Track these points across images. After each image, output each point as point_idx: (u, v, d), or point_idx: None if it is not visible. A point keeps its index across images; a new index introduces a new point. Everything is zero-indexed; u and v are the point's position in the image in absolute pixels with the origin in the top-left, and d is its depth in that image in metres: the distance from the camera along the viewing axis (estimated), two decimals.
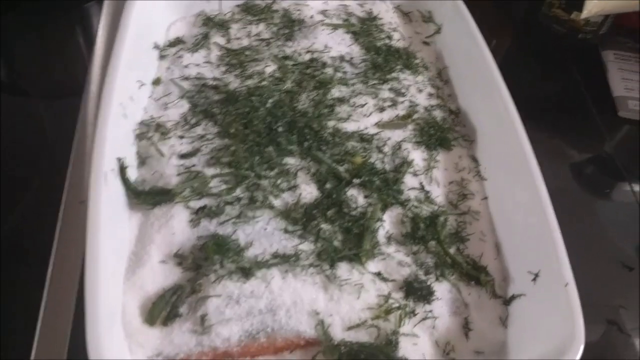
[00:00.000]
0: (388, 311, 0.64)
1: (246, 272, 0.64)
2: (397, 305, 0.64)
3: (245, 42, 0.90)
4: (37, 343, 0.64)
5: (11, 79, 1.00)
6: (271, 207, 0.70)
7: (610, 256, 0.85)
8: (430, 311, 0.65)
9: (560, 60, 1.13)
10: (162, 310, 0.61)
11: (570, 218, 0.86)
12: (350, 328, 0.62)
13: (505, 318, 0.67)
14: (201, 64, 0.86)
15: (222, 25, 0.91)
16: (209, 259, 0.64)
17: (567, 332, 0.59)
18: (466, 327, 0.66)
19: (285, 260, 0.65)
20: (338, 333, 0.62)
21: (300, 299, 0.63)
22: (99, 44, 0.96)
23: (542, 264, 0.66)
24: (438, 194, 0.76)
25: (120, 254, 0.65)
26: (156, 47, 0.87)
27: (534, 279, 0.66)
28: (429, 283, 0.67)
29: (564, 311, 0.61)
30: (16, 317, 0.68)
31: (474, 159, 0.81)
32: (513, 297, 0.68)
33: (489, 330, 0.66)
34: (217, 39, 0.90)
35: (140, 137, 0.75)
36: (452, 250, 0.71)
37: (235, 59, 0.86)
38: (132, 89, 0.77)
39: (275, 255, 0.66)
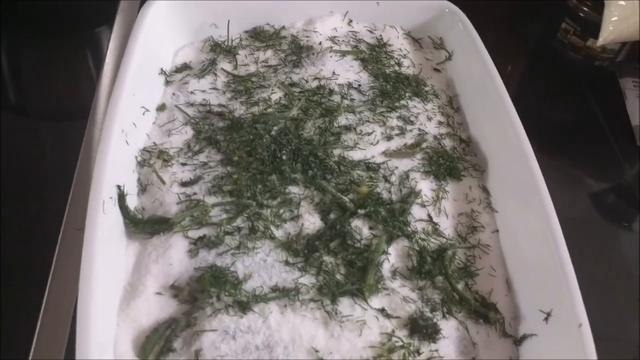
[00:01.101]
0: (391, 350, 0.61)
1: (243, 306, 0.61)
2: (400, 343, 0.61)
3: (252, 68, 0.89)
4: None
5: (17, 101, 1.00)
6: (272, 237, 0.68)
7: (629, 291, 0.82)
8: (436, 350, 0.62)
9: (577, 88, 1.11)
10: (155, 344, 0.59)
11: (587, 250, 0.84)
12: None
13: (516, 358, 0.64)
14: (207, 90, 0.85)
15: (229, 51, 0.91)
16: (205, 292, 0.62)
17: None
18: None
19: (285, 294, 0.63)
20: None
21: (299, 336, 0.60)
22: (106, 69, 0.96)
23: (554, 302, 0.63)
24: (447, 226, 0.74)
25: (115, 284, 0.63)
26: (162, 72, 0.86)
27: (546, 319, 0.62)
28: (435, 320, 0.64)
29: (577, 354, 0.58)
30: (9, 345, 0.66)
31: (485, 190, 0.78)
32: (524, 337, 0.64)
33: None
34: (224, 65, 0.89)
35: (142, 164, 0.74)
36: (460, 286, 0.68)
37: (241, 85, 0.85)
38: (136, 115, 0.76)
39: (274, 289, 0.64)
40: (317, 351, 0.60)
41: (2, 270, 0.73)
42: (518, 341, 0.65)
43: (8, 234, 0.78)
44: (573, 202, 0.95)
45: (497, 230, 0.74)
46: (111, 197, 0.66)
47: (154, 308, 0.62)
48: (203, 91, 0.85)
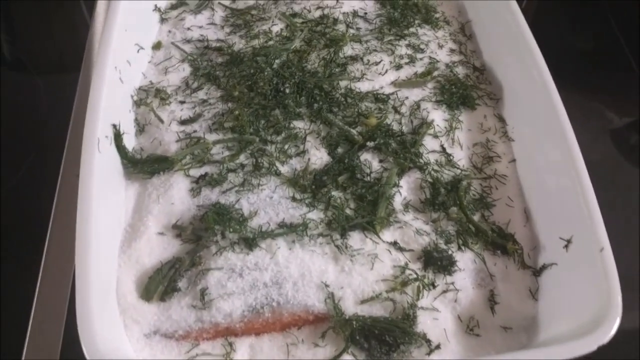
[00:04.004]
0: (405, 283, 0.58)
1: (249, 243, 0.59)
2: (414, 276, 0.59)
3: (251, 1, 0.84)
4: (32, 318, 0.62)
5: (13, 55, 0.97)
6: (277, 174, 0.65)
7: None
8: (452, 283, 0.60)
9: (597, 13, 1.04)
10: (159, 284, 0.57)
11: (608, 188, 0.78)
12: (363, 302, 0.57)
13: (535, 290, 0.61)
14: (204, 26, 0.81)
15: None
16: (209, 230, 0.59)
17: (603, 302, 0.53)
18: (492, 301, 0.60)
19: (292, 230, 0.60)
20: (350, 307, 0.57)
21: (309, 271, 0.58)
22: (98, 12, 0.92)
23: (575, 229, 0.59)
24: (461, 156, 0.70)
25: (115, 226, 0.61)
26: (157, 9, 0.82)
27: (566, 246, 0.59)
28: (450, 252, 0.61)
29: (599, 279, 0.54)
30: (14, 290, 0.65)
31: (501, 119, 0.74)
32: (544, 267, 0.61)
33: (518, 303, 0.61)
34: None
35: (138, 103, 0.71)
36: (476, 218, 0.65)
37: (240, 19, 0.81)
38: (130, 53, 0.72)
39: (281, 225, 0.61)
40: (327, 286, 0.57)
41: (3, 220, 0.72)
42: (537, 272, 0.62)
43: (6, 186, 0.76)
44: (594, 138, 0.90)
45: (514, 160, 0.70)
46: (107, 136, 0.63)
47: (156, 248, 0.60)
48: (200, 27, 0.81)
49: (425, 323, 0.57)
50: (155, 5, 0.82)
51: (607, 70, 0.99)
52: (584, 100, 0.95)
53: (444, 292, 0.59)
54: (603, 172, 0.81)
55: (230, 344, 0.55)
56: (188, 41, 0.79)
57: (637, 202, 0.81)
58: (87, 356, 0.49)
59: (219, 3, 0.84)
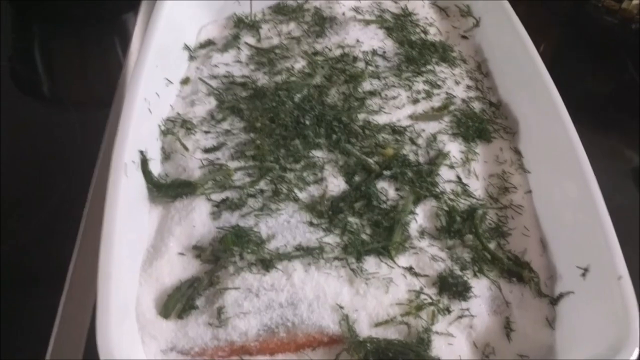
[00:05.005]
0: (419, 307, 0.58)
1: (266, 264, 0.60)
2: (429, 301, 0.59)
3: (275, 41, 0.88)
4: (54, 336, 0.63)
5: (51, 91, 1.02)
6: (296, 199, 0.67)
7: None
8: (467, 309, 0.60)
9: (614, 54, 1.06)
10: (177, 302, 0.58)
11: (628, 227, 0.78)
12: (377, 324, 0.57)
13: (552, 319, 0.61)
14: (230, 63, 0.85)
15: (252, 25, 0.90)
16: (228, 251, 0.61)
17: (621, 331, 0.52)
18: (508, 328, 0.60)
19: (309, 253, 0.61)
20: (364, 329, 0.57)
21: (324, 293, 0.59)
22: (132, 50, 0.97)
23: (592, 258, 0.59)
24: (477, 187, 0.71)
25: (137, 246, 0.63)
26: (186, 47, 0.86)
27: (584, 274, 0.59)
28: (465, 279, 0.61)
29: (617, 308, 0.54)
30: (36, 308, 0.67)
31: (517, 151, 0.75)
32: (561, 296, 0.61)
33: (534, 331, 0.60)
34: (248, 39, 0.89)
35: (165, 132, 0.74)
36: (491, 246, 0.65)
37: (264, 57, 0.85)
38: (159, 86, 0.76)
39: (298, 248, 0.62)
40: (342, 308, 0.58)
41: (32, 242, 0.74)
42: (554, 300, 0.61)
43: (40, 207, 0.79)
44: (614, 177, 0.90)
45: (530, 191, 0.71)
46: (134, 162, 0.65)
47: (176, 268, 0.62)
48: (226, 64, 0.84)
49: (440, 348, 0.57)
50: (185, 44, 0.86)
51: (625, 112, 1.00)
52: (603, 140, 0.96)
53: (459, 317, 0.59)
54: (622, 205, 0.81)
55: None
56: (215, 77, 0.82)
57: None
58: None
59: (245, 43, 0.88)
